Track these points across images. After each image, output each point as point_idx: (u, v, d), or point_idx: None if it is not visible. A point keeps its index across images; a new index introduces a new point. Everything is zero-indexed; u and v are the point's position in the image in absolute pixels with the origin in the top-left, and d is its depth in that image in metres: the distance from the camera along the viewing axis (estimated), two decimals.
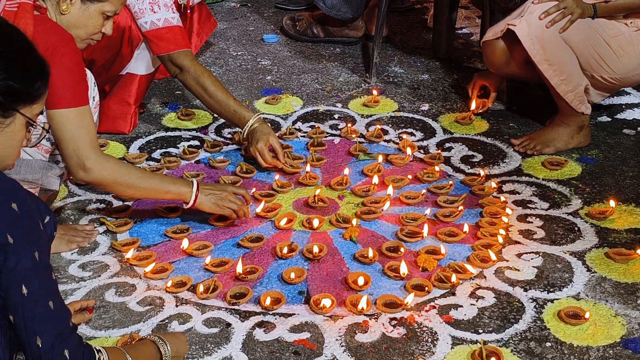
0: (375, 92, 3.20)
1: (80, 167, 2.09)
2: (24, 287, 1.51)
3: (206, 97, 2.71)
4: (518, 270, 2.21)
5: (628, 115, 3.07)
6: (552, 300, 2.09)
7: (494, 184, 2.59)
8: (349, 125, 2.98)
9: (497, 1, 2.86)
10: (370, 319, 2.03)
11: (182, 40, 2.72)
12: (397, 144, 2.89)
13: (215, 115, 2.85)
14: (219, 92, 2.70)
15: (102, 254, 2.29)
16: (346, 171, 2.66)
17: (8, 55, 1.59)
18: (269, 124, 2.80)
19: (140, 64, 2.86)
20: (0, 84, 1.56)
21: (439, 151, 2.81)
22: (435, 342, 1.95)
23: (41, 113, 1.68)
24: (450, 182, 2.61)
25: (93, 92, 2.22)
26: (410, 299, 2.07)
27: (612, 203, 2.46)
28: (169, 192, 2.28)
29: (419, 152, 2.83)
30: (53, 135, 2.09)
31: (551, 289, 2.13)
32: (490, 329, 1.99)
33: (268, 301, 2.07)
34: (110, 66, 2.83)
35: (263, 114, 2.99)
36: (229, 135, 2.94)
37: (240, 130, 2.72)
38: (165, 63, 2.73)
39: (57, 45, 2.06)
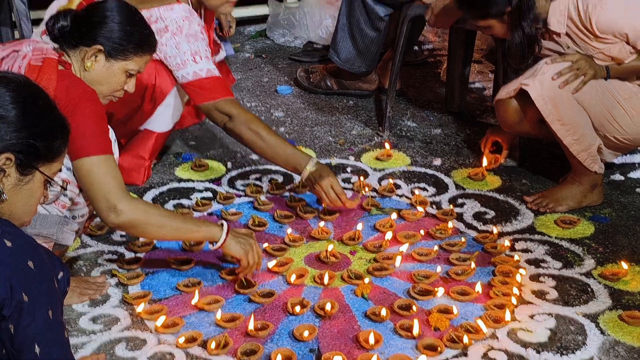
0: (387, 146, 3.22)
1: (111, 210, 2.10)
2: (36, 346, 1.51)
3: (259, 142, 2.69)
4: (531, 331, 2.20)
5: None
6: None
7: (506, 242, 2.58)
8: (362, 179, 2.99)
9: (510, 62, 2.88)
10: None
11: (226, 88, 2.75)
12: (409, 199, 2.89)
13: (269, 161, 2.83)
14: (273, 137, 2.70)
15: (113, 307, 2.28)
16: (359, 226, 2.66)
17: (30, 114, 1.61)
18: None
19: (159, 121, 2.88)
20: (21, 143, 1.58)
21: (452, 207, 2.81)
22: None
23: (60, 170, 1.70)
24: (463, 240, 2.61)
25: (114, 148, 2.24)
26: None
27: (624, 265, 2.45)
28: (199, 230, 2.27)
29: (432, 207, 2.84)
30: (81, 183, 2.11)
31: (564, 352, 2.12)
32: None
33: (279, 359, 2.05)
34: (130, 121, 2.85)
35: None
36: (242, 187, 2.95)
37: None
38: (211, 113, 2.73)
39: (81, 98, 2.10)
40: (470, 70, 3.65)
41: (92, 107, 2.13)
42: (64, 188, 1.78)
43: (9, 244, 1.52)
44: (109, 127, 2.21)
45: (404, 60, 3.48)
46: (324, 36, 4.22)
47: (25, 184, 1.61)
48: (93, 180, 2.09)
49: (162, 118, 2.88)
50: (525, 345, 2.14)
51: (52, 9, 2.90)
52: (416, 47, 4.15)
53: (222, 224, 2.28)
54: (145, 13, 2.66)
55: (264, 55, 4.23)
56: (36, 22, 3.73)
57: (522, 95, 2.74)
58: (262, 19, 4.51)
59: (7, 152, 1.58)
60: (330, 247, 2.53)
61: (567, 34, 2.71)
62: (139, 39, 2.30)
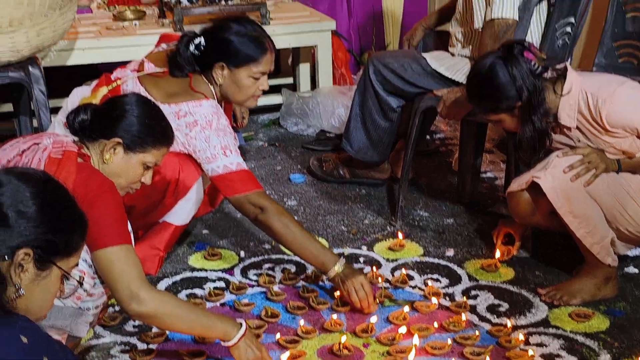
0: (400, 236, 3.23)
1: (134, 299, 2.11)
2: None
3: (290, 236, 2.70)
4: None
5: None
6: None
7: (521, 336, 2.56)
8: (375, 269, 2.99)
9: (521, 156, 2.91)
10: None
11: (256, 181, 2.78)
12: (422, 290, 2.89)
13: (296, 255, 2.81)
14: (303, 231, 2.72)
15: None
16: (372, 318, 2.65)
17: (49, 210, 1.63)
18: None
19: (179, 214, 2.92)
20: (40, 238, 1.60)
21: (465, 299, 2.80)
22: None
23: (77, 265, 1.71)
24: (477, 333, 2.59)
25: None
26: None
27: None
28: (216, 328, 2.27)
29: (445, 299, 2.83)
30: (101, 274, 2.13)
31: None
32: None
33: None
34: (150, 214, 2.88)
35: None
36: (255, 277, 2.96)
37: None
38: (242, 205, 2.75)
39: (100, 190, 2.13)
40: (482, 160, 3.69)
41: (111, 198, 2.16)
42: (80, 283, 1.80)
43: (25, 340, 1.52)
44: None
45: (416, 150, 3.52)
46: (337, 125, 4.28)
47: (43, 279, 1.63)
48: (114, 271, 2.11)
49: (182, 211, 2.91)
50: None
51: (75, 99, 2.97)
52: (428, 136, 4.20)
53: (241, 324, 2.28)
54: (173, 107, 2.73)
55: (277, 144, 4.29)
56: (54, 110, 3.81)
57: (534, 188, 2.75)
58: (276, 107, 4.58)
59: (26, 248, 1.60)
60: (343, 339, 2.52)
61: (577, 128, 2.75)
62: (157, 132, 2.35)
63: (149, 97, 2.73)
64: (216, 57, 2.83)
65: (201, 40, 2.87)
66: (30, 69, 3.58)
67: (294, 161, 4.06)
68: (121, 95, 2.51)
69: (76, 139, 2.35)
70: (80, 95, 3.01)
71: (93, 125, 2.33)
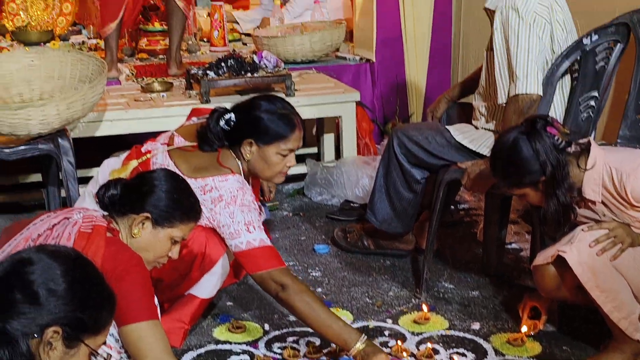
0: (425, 308, 3.21)
1: None
2: None
3: (312, 314, 2.70)
4: None
5: None
6: None
7: None
8: (400, 343, 2.97)
9: (546, 230, 2.91)
10: None
11: (279, 258, 2.79)
12: None
13: (317, 333, 2.83)
14: (325, 309, 2.72)
15: None
16: None
17: (79, 288, 1.66)
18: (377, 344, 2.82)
19: (205, 287, 2.93)
20: (69, 316, 1.63)
21: None
22: None
23: (105, 343, 1.73)
24: None
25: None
26: None
27: None
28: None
29: None
30: (128, 349, 2.15)
31: None
32: None
33: None
34: (176, 287, 2.90)
35: None
36: (279, 350, 2.95)
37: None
38: (264, 281, 2.75)
39: (128, 265, 2.17)
40: (507, 231, 3.68)
41: (139, 274, 2.19)
42: None
43: None
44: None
45: (440, 221, 3.52)
46: (361, 195, 4.30)
47: (71, 357, 1.65)
48: (142, 347, 2.13)
49: (208, 285, 2.93)
50: None
51: (105, 170, 3.02)
52: (452, 207, 4.20)
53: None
54: (200, 182, 2.77)
55: (301, 214, 4.31)
56: (82, 180, 3.87)
57: (560, 262, 2.74)
58: (300, 177, 4.61)
59: (55, 326, 1.62)
60: None
61: (602, 202, 2.75)
62: (185, 207, 2.38)
63: (177, 171, 2.77)
64: (245, 133, 2.88)
65: (231, 116, 2.92)
66: (60, 140, 3.66)
67: (318, 231, 4.07)
68: (150, 171, 2.56)
69: (105, 213, 2.39)
70: (110, 167, 3.07)
71: (122, 199, 2.37)
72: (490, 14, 3.21)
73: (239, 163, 2.93)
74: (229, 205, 2.77)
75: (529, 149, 2.71)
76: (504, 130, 2.91)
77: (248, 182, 2.93)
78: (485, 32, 4.69)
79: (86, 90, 3.62)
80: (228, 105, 3.01)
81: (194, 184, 2.70)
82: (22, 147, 3.60)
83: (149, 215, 2.34)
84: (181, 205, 2.39)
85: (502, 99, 3.13)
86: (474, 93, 3.51)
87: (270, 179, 3.01)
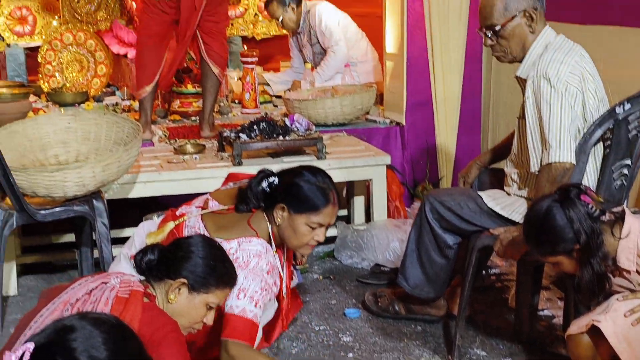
0: None
1: None
2: None
3: None
4: None
5: None
6: None
7: None
8: None
9: (580, 298, 2.89)
10: None
11: (249, 334, 2.75)
12: None
13: None
14: None
15: None
16: None
17: (120, 356, 1.68)
18: None
19: None
20: None
21: None
22: None
23: None
24: None
25: None
26: None
27: None
28: None
29: None
30: None
31: None
32: None
33: None
34: (209, 349, 2.91)
35: None
36: None
37: None
38: (222, 349, 2.74)
39: (165, 331, 2.19)
40: (539, 297, 3.66)
41: (175, 339, 2.21)
42: None
43: None
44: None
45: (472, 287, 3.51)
46: (392, 259, 4.30)
47: None
48: None
49: None
50: None
51: (141, 233, 3.07)
52: (484, 272, 4.19)
53: None
54: (225, 244, 2.79)
55: (331, 277, 4.31)
56: (115, 241, 3.91)
57: (595, 331, 2.72)
58: (330, 239, 4.63)
59: None
60: None
61: (637, 271, 2.73)
62: (220, 273, 2.41)
63: (206, 233, 2.80)
64: (280, 197, 2.92)
65: (275, 179, 2.97)
66: (95, 202, 3.71)
67: (348, 295, 4.07)
68: (187, 237, 2.60)
69: (142, 278, 2.42)
70: (146, 229, 3.11)
71: (159, 265, 2.40)
72: (522, 82, 3.24)
73: (269, 227, 2.96)
74: (239, 267, 2.77)
75: (563, 217, 2.71)
76: (538, 198, 2.91)
77: (283, 248, 2.95)
78: (514, 99, 4.75)
79: (121, 152, 3.68)
80: (275, 169, 3.05)
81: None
82: (58, 209, 3.65)
83: (185, 281, 2.37)
84: (217, 271, 2.42)
85: (534, 166, 3.14)
86: (505, 159, 3.53)
87: (296, 249, 3.02)
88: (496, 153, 3.70)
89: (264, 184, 2.95)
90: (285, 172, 3.03)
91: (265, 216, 2.97)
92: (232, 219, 2.95)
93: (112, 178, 3.71)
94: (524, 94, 3.22)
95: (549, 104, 3.04)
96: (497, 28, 3.19)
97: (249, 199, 2.96)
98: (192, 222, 2.98)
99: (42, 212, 3.62)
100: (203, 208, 3.04)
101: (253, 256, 2.82)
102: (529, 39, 3.20)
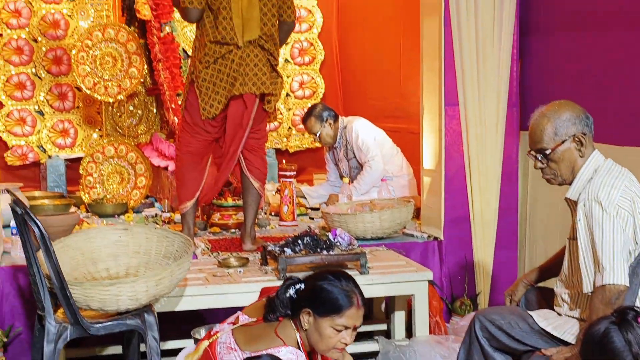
0: None
1: None
2: None
3: None
4: None
5: None
6: None
7: None
8: None
9: None
10: None
11: None
12: None
13: None
14: None
15: None
16: None
17: None
18: None
19: None
20: None
21: None
22: None
23: None
24: None
25: None
26: None
27: None
28: None
29: None
30: None
31: None
32: None
33: None
34: None
35: None
36: None
37: None
38: None
39: None
40: None
41: None
42: None
43: None
44: None
45: None
46: None
47: None
48: None
49: None
50: None
51: (180, 358, 3.14)
52: None
53: None
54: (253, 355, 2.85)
55: None
56: (165, 353, 3.94)
57: None
58: (372, 354, 4.63)
59: None
60: None
61: None
62: None
63: (235, 345, 2.87)
64: (305, 302, 2.99)
65: (301, 285, 3.04)
66: (146, 316, 3.76)
67: None
68: (256, 356, 2.63)
69: None
70: (184, 353, 3.20)
71: None
72: (572, 204, 3.32)
73: (297, 334, 3.01)
74: None
75: (621, 340, 2.73)
76: (594, 320, 2.94)
77: (309, 354, 2.99)
78: (552, 216, 4.85)
79: (174, 267, 3.76)
80: (301, 276, 3.13)
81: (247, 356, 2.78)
82: (111, 323, 3.70)
83: None
84: None
85: (587, 288, 3.18)
86: (551, 278, 3.58)
87: (324, 353, 3.06)
88: (543, 272, 3.74)
89: (291, 291, 3.02)
90: (310, 277, 3.11)
91: (293, 323, 3.03)
92: (260, 330, 3.02)
93: (164, 292, 3.77)
94: (573, 215, 3.30)
95: (601, 227, 3.11)
96: (548, 152, 3.29)
97: (276, 307, 3.03)
98: (224, 338, 3.05)
99: (96, 325, 3.67)
100: (234, 324, 3.11)
101: None
102: (579, 163, 3.30)
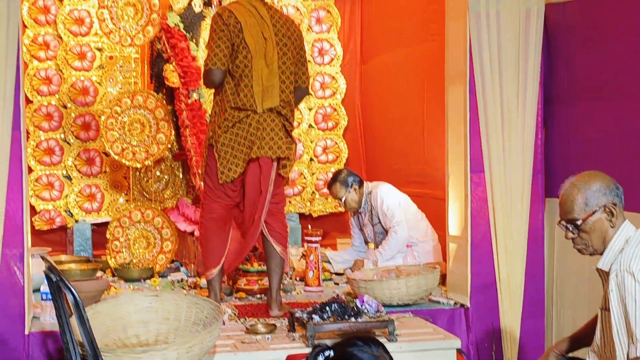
0: None
1: None
2: None
3: None
4: None
5: None
6: None
7: None
8: None
9: None
10: None
11: None
12: None
13: None
14: None
15: None
16: None
17: None
18: None
19: None
20: None
21: None
22: None
23: None
24: None
25: None
26: None
27: None
28: None
29: None
30: None
31: None
32: None
33: None
34: None
35: None
36: None
37: None
38: None
39: None
40: None
41: None
42: None
43: None
44: None
45: None
46: None
47: None
48: None
49: None
50: None
51: None
52: None
53: None
54: None
55: None
56: None
57: None
58: None
59: None
60: None
61: None
62: None
63: None
64: None
65: (330, 352, 3.04)
66: None
67: None
68: None
69: None
70: None
71: None
72: (603, 274, 3.33)
73: None
74: None
75: None
76: None
77: None
78: (579, 284, 4.84)
79: (204, 334, 3.78)
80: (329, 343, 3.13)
81: None
82: None
83: None
84: None
85: None
86: (582, 348, 3.57)
87: None
88: (574, 341, 3.72)
89: (320, 358, 3.01)
90: (338, 344, 3.10)
91: None
92: None
93: (194, 359, 3.78)
94: (604, 285, 3.31)
95: (634, 298, 3.12)
96: (579, 222, 3.31)
97: None
98: None
99: None
100: None
101: None
102: (610, 233, 3.31)
